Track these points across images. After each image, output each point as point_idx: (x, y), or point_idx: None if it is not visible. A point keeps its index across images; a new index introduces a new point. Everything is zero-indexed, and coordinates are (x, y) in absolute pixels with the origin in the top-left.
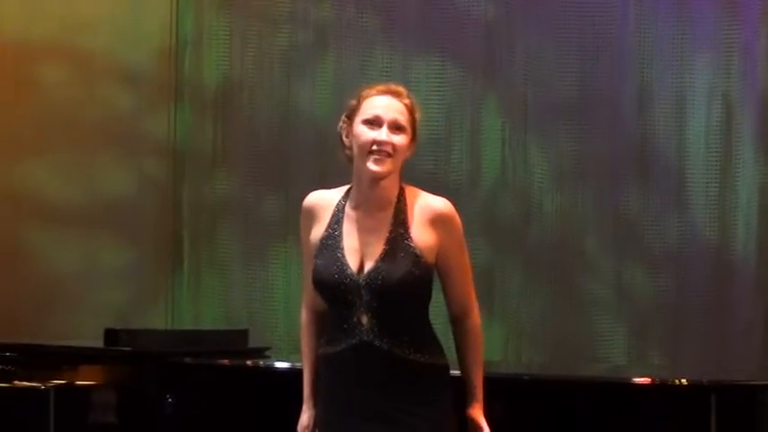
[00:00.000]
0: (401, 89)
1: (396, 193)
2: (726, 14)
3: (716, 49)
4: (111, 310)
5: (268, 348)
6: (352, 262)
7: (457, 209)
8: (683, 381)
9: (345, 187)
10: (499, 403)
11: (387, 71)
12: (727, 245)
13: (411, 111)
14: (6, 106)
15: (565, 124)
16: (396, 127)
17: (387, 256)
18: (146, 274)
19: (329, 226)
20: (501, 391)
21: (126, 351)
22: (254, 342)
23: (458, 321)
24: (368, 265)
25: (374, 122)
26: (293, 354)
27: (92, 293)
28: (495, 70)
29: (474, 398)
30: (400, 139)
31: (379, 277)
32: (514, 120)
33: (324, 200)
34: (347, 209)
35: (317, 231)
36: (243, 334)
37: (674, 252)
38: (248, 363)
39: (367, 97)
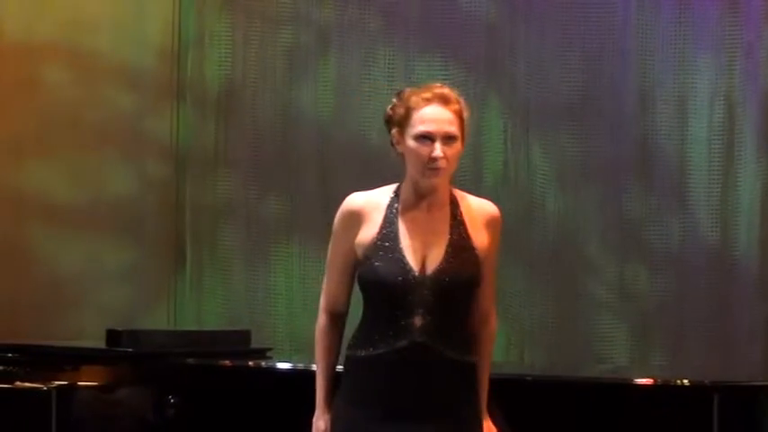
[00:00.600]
0: (448, 93)
1: (448, 194)
2: (728, 15)
3: (718, 49)
4: (114, 311)
5: (270, 349)
6: (414, 262)
7: None
8: (685, 381)
9: (391, 187)
10: (501, 404)
11: (389, 71)
12: (730, 246)
13: (460, 115)
14: (9, 106)
15: (567, 125)
16: (447, 138)
17: (451, 256)
18: (148, 275)
19: (383, 227)
20: (503, 392)
21: (128, 352)
22: (256, 343)
23: (478, 325)
24: (432, 265)
25: (426, 137)
26: (295, 354)
27: (94, 294)
28: (498, 70)
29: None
30: (453, 150)
31: (446, 277)
32: (517, 120)
33: (371, 201)
34: (401, 209)
35: (367, 233)
36: (245, 335)
37: (677, 253)
38: (250, 363)
39: (416, 108)
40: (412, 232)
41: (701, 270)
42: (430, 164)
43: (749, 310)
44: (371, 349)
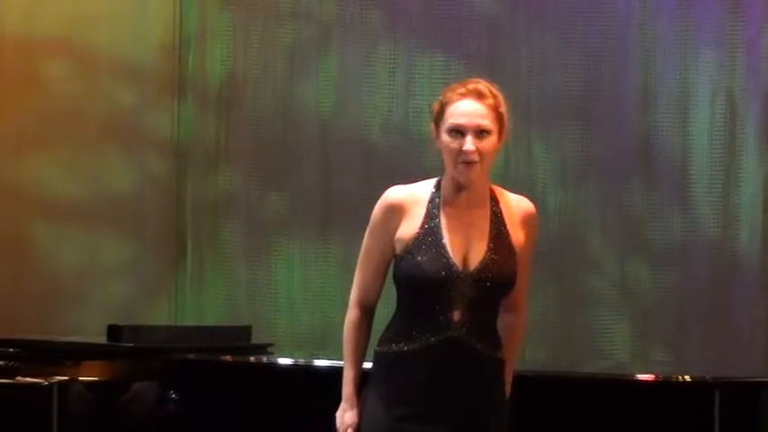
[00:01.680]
0: (482, 88)
1: (488, 190)
2: (729, 11)
3: (720, 45)
4: (115, 306)
5: (271, 345)
6: (457, 258)
7: None
8: (687, 378)
9: (431, 181)
10: None
11: (391, 67)
12: (731, 241)
13: (495, 108)
14: (10, 102)
15: (569, 121)
16: (480, 132)
17: (493, 252)
18: (149, 270)
19: (425, 221)
20: None
21: (129, 347)
22: (256, 338)
23: (506, 314)
24: (475, 261)
25: (458, 131)
26: (296, 350)
27: (95, 289)
28: (499, 66)
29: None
30: (487, 144)
31: (490, 273)
32: (518, 116)
33: (413, 195)
34: (442, 204)
35: (409, 227)
36: (246, 330)
37: (678, 249)
38: (251, 359)
39: (450, 103)
40: (453, 228)
41: (702, 266)
42: (461, 157)
43: (751, 306)
44: (406, 344)
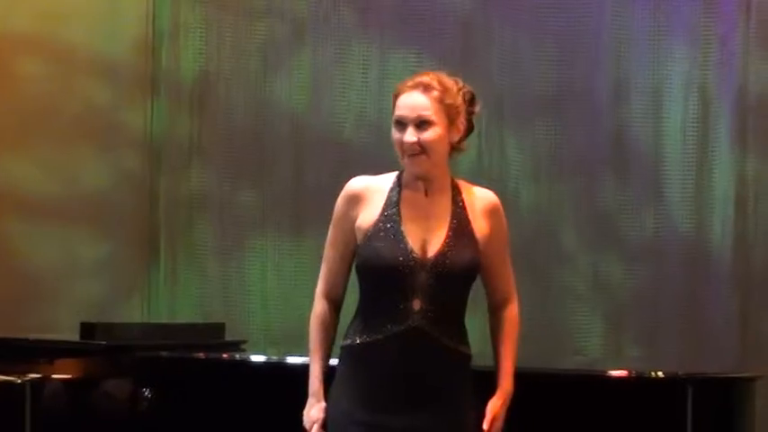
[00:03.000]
0: (429, 80)
1: (448, 182)
2: (702, 6)
3: (693, 41)
4: (88, 304)
5: (244, 342)
6: (415, 245)
7: None
8: (660, 374)
9: (393, 174)
10: (476, 395)
11: (363, 65)
12: (704, 237)
13: (441, 100)
14: None
15: (541, 117)
16: (420, 123)
17: (451, 241)
18: (122, 268)
19: (384, 209)
20: (478, 384)
21: (102, 345)
22: (230, 335)
23: (498, 310)
24: (433, 249)
25: (401, 123)
26: (269, 347)
27: (68, 287)
28: (471, 63)
29: (503, 388)
30: (429, 135)
31: (447, 261)
32: (490, 112)
33: (374, 185)
34: (403, 194)
35: (369, 215)
36: (219, 327)
37: (651, 244)
38: (224, 356)
39: (398, 96)
40: (413, 216)
41: (675, 261)
42: (403, 149)
43: (724, 302)
44: (369, 336)
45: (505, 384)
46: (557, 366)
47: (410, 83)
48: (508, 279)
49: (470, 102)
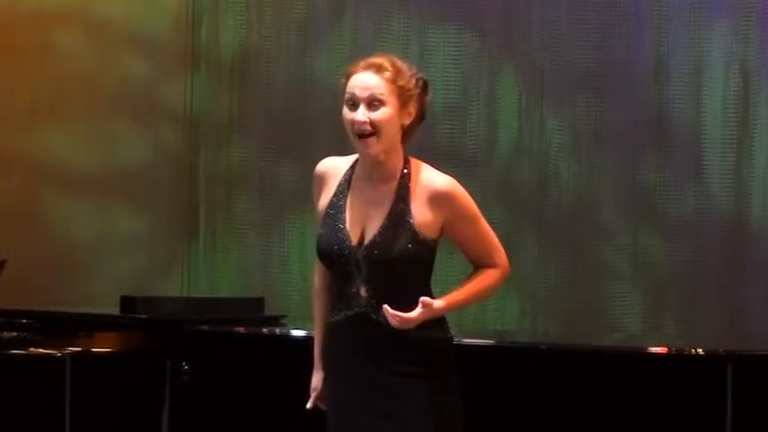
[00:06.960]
0: (383, 61)
1: (400, 166)
2: None
3: (733, 17)
4: (128, 278)
5: (284, 316)
6: (353, 234)
7: (470, 179)
8: (700, 351)
9: (355, 156)
10: (515, 372)
11: (403, 39)
12: (744, 214)
13: (393, 81)
14: (23, 74)
15: (582, 93)
16: (372, 102)
17: (385, 230)
18: (162, 242)
19: (335, 195)
20: (517, 360)
21: (142, 318)
22: (269, 310)
23: (478, 268)
24: (367, 237)
25: (353, 102)
26: (309, 322)
27: (108, 261)
28: (513, 39)
29: (435, 302)
30: (380, 114)
31: (375, 251)
32: (531, 88)
33: (334, 168)
34: (353, 179)
35: (324, 200)
36: (259, 302)
37: (691, 221)
38: (264, 330)
39: (350, 76)
40: (356, 203)
41: (715, 238)
42: (354, 128)
43: (763, 279)
44: (333, 316)
45: (440, 302)
46: (595, 342)
47: (363, 63)
48: (487, 251)
49: (423, 89)
